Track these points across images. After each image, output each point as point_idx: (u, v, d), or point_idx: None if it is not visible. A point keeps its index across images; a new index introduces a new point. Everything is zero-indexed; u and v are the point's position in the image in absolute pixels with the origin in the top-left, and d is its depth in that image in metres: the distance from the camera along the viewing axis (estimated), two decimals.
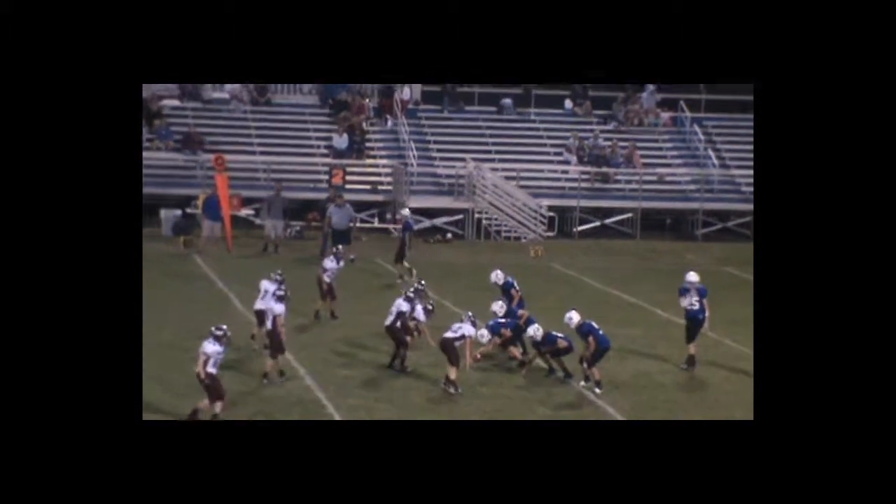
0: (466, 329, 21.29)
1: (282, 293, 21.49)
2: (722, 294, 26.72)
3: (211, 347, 18.31)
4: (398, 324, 22.15)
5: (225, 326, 18.72)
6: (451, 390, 21.00)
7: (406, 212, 33.06)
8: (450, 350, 21.10)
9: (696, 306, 23.29)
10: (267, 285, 22.51)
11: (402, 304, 22.31)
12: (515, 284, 24.32)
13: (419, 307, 22.44)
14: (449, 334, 21.26)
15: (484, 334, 22.35)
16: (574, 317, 21.81)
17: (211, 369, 18.26)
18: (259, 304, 22.49)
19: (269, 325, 21.00)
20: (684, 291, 23.53)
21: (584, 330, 21.72)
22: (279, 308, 20.97)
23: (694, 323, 23.39)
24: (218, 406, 18.30)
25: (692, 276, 23.66)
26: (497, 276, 24.50)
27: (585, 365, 21.73)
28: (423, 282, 24.22)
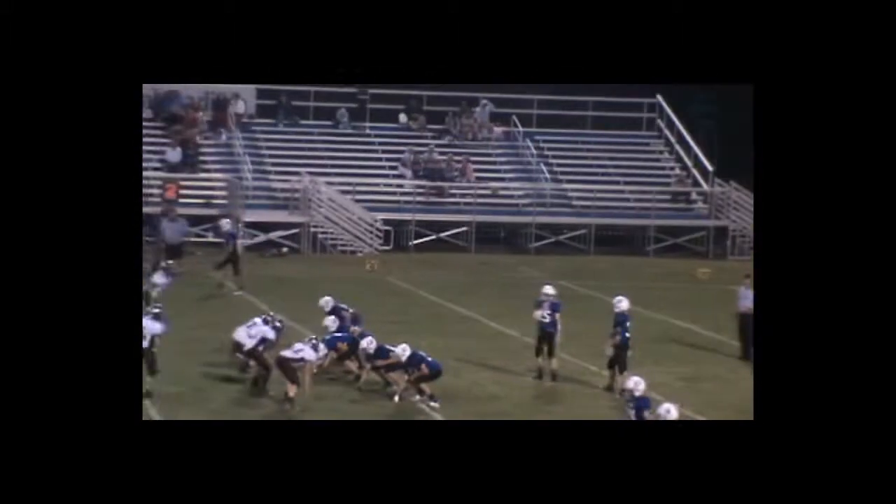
0: (307, 353, 21.18)
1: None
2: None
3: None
4: (260, 349, 21.83)
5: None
6: (288, 407, 20.92)
7: (225, 222, 32.91)
8: (287, 369, 21.02)
9: (548, 319, 23.52)
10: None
11: (268, 332, 21.96)
12: (343, 307, 24.17)
13: (301, 345, 21.72)
14: (287, 353, 21.15)
15: (320, 348, 22.32)
16: (406, 349, 21.89)
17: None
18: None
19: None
20: (539, 303, 23.76)
21: (414, 360, 21.82)
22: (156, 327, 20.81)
23: (543, 335, 23.55)
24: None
25: (548, 290, 23.88)
26: (326, 302, 24.33)
27: (410, 384, 21.83)
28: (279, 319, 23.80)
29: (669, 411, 16.83)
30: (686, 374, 24.93)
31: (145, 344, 20.60)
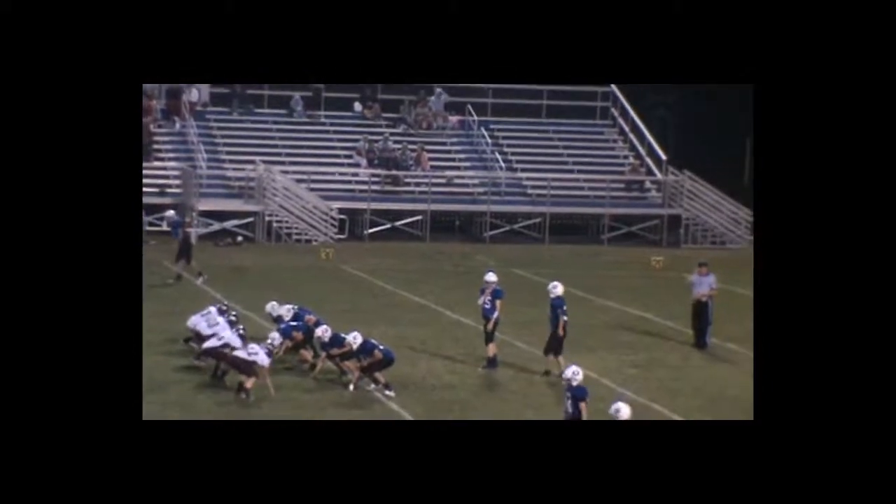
0: (261, 357, 21.23)
1: None
2: (511, 296, 27.14)
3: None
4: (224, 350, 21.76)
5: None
6: (244, 396, 20.96)
7: (170, 212, 32.92)
8: (242, 366, 21.09)
9: (489, 305, 23.65)
10: None
11: (234, 339, 21.88)
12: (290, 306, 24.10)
13: (257, 348, 21.69)
14: (242, 355, 21.22)
15: (276, 337, 22.34)
16: (357, 337, 21.92)
17: None
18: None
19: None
20: (482, 290, 23.89)
21: (367, 348, 21.87)
22: None
23: (485, 321, 23.72)
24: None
25: (490, 276, 24.00)
26: (272, 307, 24.24)
27: (361, 374, 21.87)
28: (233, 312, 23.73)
29: (619, 411, 16.30)
30: (639, 361, 25.09)
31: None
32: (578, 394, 17.84)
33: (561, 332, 23.09)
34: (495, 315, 23.56)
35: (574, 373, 18.12)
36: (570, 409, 17.91)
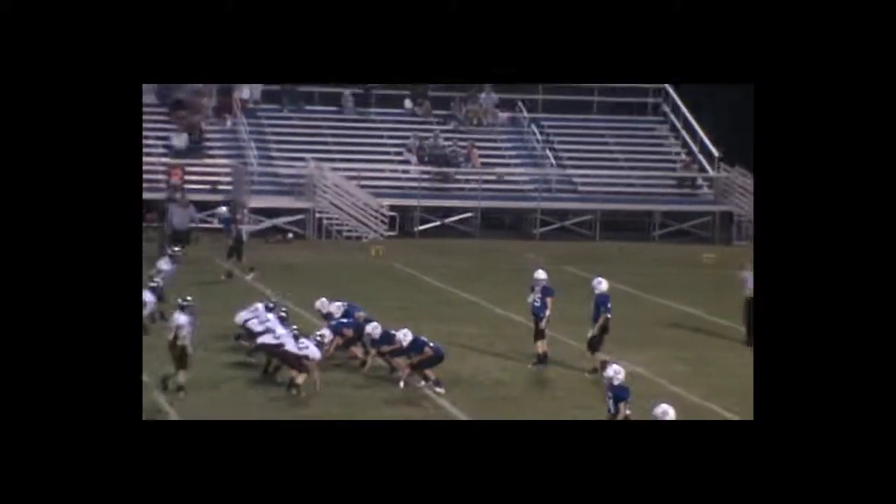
0: (311, 351, 21.27)
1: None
2: (561, 293, 27.06)
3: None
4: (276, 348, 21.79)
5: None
6: (294, 392, 21.02)
7: (222, 209, 33.07)
8: (293, 361, 21.14)
9: (539, 303, 23.62)
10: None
11: (287, 339, 21.82)
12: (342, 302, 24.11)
13: (307, 342, 21.72)
14: (293, 349, 21.25)
15: (326, 333, 22.40)
16: (407, 334, 21.94)
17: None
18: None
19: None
20: (531, 288, 23.88)
21: (417, 345, 21.88)
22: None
23: (536, 319, 23.71)
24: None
25: (539, 274, 23.98)
26: (322, 304, 24.26)
27: (411, 371, 21.88)
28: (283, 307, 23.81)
29: (666, 413, 16.02)
30: (689, 358, 24.98)
31: (170, 336, 20.84)
32: (620, 394, 17.70)
33: (600, 329, 22.98)
34: (546, 313, 23.51)
35: (615, 372, 17.96)
36: (611, 409, 17.80)
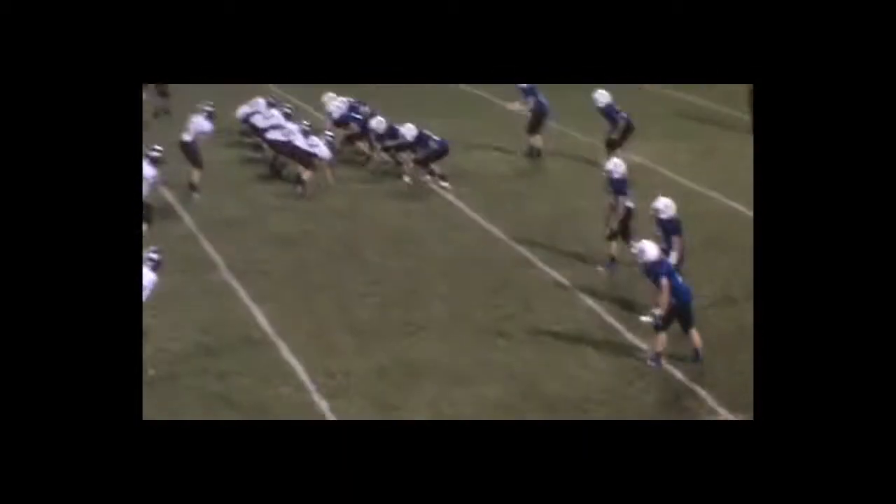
0: (321, 150, 21.29)
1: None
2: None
3: (148, 170, 18.50)
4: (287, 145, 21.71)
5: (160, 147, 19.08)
6: (300, 189, 21.16)
7: None
8: (302, 157, 21.20)
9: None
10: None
11: (296, 132, 21.63)
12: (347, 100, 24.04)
13: (317, 141, 21.63)
14: (302, 145, 21.26)
15: (333, 131, 22.49)
16: (412, 129, 21.96)
17: None
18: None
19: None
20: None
21: (421, 139, 21.91)
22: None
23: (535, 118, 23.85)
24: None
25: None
26: (328, 98, 23.99)
27: (415, 165, 22.00)
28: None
29: (644, 251, 15.28)
30: (694, 148, 25.05)
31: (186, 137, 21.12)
32: (619, 188, 17.84)
33: (619, 133, 23.03)
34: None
35: (615, 165, 18.03)
36: (611, 202, 17.93)
